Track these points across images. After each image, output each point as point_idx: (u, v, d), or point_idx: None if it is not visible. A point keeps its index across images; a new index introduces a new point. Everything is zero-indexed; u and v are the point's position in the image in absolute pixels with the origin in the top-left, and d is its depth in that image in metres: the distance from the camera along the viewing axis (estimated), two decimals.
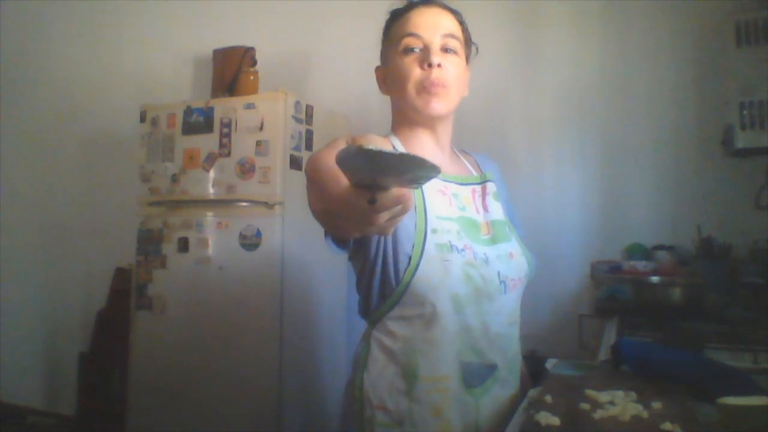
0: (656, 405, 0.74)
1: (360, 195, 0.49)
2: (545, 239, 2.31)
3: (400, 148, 1.04)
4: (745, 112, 1.91)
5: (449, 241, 0.96)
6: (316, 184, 0.61)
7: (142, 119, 2.43)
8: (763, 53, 1.91)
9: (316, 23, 2.79)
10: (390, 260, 0.96)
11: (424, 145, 1.07)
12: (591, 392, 0.79)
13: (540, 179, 2.40)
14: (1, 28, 2.76)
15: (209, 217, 2.26)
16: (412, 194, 0.52)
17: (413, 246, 0.95)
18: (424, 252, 0.94)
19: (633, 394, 0.79)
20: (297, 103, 2.23)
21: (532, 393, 0.86)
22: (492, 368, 0.99)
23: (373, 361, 1.00)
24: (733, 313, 1.50)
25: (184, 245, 2.29)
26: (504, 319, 1.01)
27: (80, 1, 3.07)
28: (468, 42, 1.07)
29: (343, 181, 0.48)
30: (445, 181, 1.04)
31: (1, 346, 2.63)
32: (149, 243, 2.36)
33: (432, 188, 1.00)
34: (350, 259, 1.05)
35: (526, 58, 2.46)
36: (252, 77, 2.53)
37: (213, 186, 2.26)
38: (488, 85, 2.46)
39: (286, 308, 2.12)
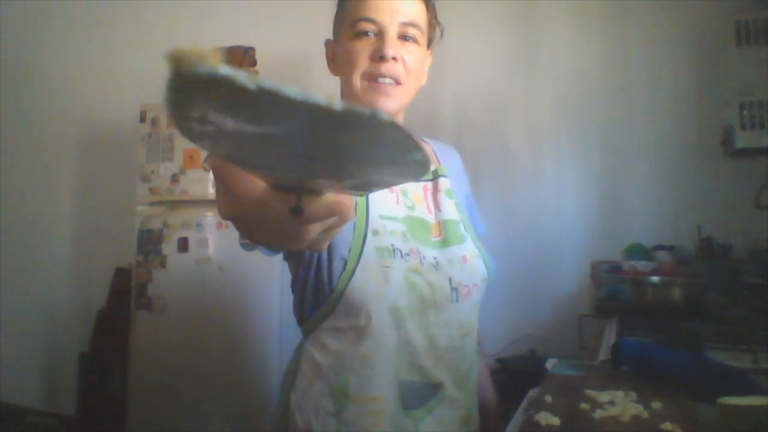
0: (656, 405, 0.74)
1: (280, 200, 0.35)
2: (545, 239, 2.31)
3: None
4: (745, 112, 1.91)
5: (392, 245, 0.86)
6: (222, 182, 0.43)
7: (142, 119, 2.43)
8: (763, 53, 1.91)
9: (316, 23, 2.77)
10: (324, 264, 0.86)
11: None
12: (591, 392, 0.79)
13: (540, 179, 2.40)
14: (0, 28, 2.76)
15: (209, 217, 2.26)
16: (354, 201, 0.39)
17: (350, 249, 0.85)
18: (362, 256, 0.84)
19: (633, 394, 0.79)
20: None
21: (532, 393, 0.86)
22: (436, 387, 0.88)
23: (301, 377, 0.90)
24: (733, 313, 1.49)
25: (184, 245, 2.29)
26: (454, 331, 0.90)
27: (80, 1, 3.07)
28: (432, 23, 0.94)
29: (260, 179, 0.36)
30: None
31: (1, 346, 2.62)
32: (149, 243, 2.36)
33: None
34: (285, 258, 0.95)
35: (526, 59, 2.46)
36: None
37: (213, 186, 2.26)
38: (488, 85, 2.46)
39: (286, 308, 2.12)
